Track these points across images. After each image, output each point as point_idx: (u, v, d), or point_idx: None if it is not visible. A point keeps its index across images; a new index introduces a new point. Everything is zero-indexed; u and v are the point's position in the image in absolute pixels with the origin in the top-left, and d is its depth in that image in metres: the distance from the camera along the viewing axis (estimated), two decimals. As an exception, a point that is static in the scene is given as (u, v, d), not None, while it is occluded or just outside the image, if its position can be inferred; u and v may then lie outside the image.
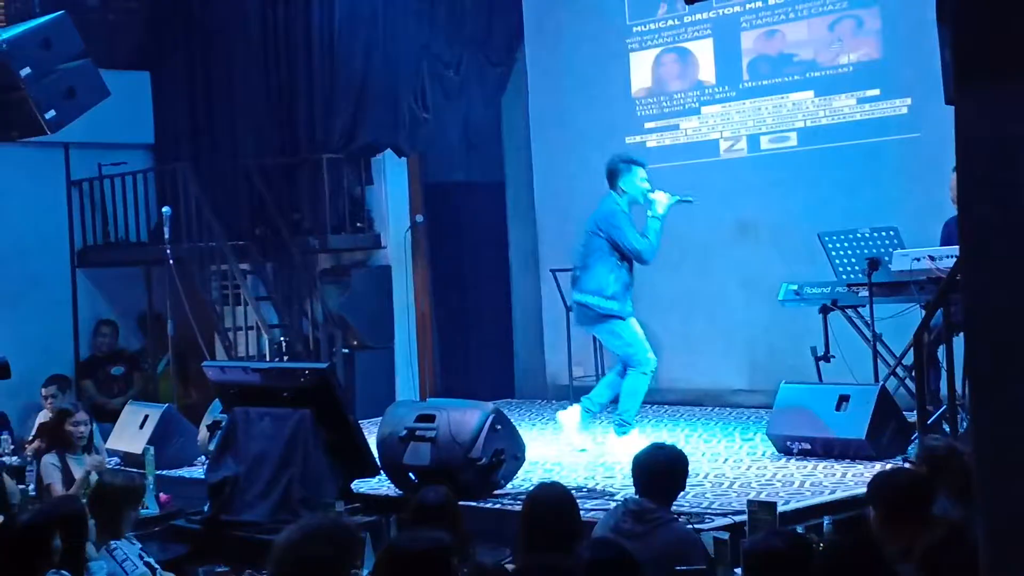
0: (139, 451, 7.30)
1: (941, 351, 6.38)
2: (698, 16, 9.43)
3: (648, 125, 9.74)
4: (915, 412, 6.36)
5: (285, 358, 9.22)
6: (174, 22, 10.95)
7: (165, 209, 9.01)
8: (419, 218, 10.07)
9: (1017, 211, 1.82)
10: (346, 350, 9.73)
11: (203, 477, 6.64)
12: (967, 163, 1.87)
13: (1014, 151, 1.84)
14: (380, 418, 6.67)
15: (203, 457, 7.37)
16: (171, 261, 8.85)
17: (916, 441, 6.12)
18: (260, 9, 10.49)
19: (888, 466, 6.22)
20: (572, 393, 9.38)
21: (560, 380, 9.79)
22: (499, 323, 10.67)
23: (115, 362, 10.43)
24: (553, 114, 10.23)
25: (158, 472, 6.97)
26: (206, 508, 6.37)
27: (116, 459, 7.62)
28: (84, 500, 5.31)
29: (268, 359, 9.10)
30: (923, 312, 6.51)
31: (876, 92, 8.60)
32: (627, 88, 9.84)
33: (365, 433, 6.46)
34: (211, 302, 9.81)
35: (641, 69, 9.79)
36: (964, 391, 6.25)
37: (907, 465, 5.58)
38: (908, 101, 8.43)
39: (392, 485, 6.42)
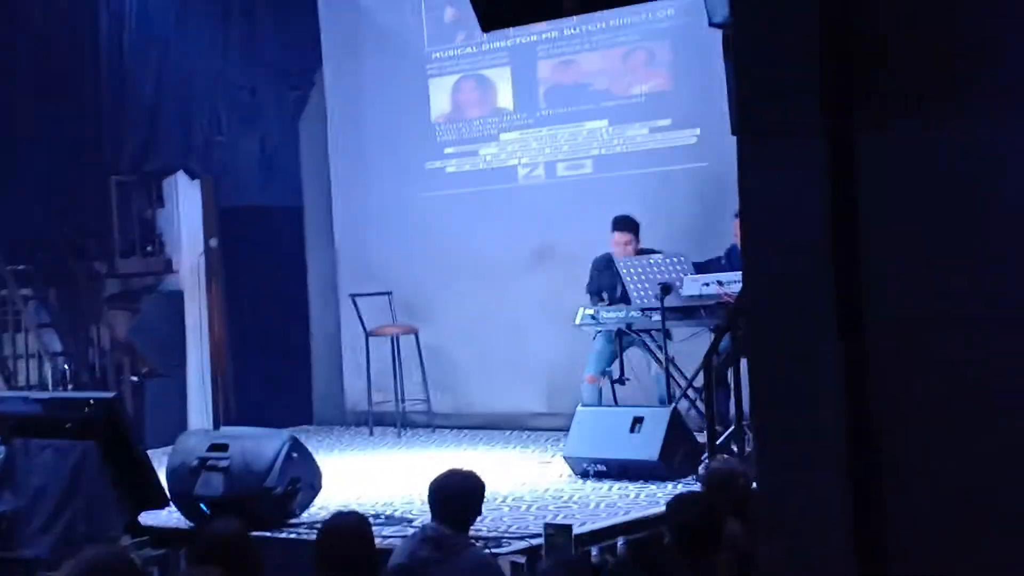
0: (-93, 487, 6.87)
1: (730, 373, 6.59)
2: (496, 44, 9.53)
3: (448, 151, 9.78)
4: (705, 433, 6.54)
5: (70, 387, 8.86)
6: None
7: (-61, 231, 8.58)
8: (213, 242, 9.84)
9: (796, 239, 1.89)
10: (135, 377, 9.41)
11: (-22, 513, 6.29)
12: (749, 197, 1.94)
13: (791, 185, 1.92)
14: (171, 447, 6.46)
15: (-21, 492, 6.99)
16: (-54, 286, 8.40)
17: (705, 462, 6.29)
18: (43, 27, 10.06)
19: (679, 486, 6.39)
20: (371, 419, 9.31)
21: (360, 406, 9.70)
22: (297, 349, 10.51)
23: None
24: (352, 139, 10.16)
25: (-71, 509, 6.57)
26: (-19, 545, 6.04)
27: None
28: None
29: (51, 388, 8.72)
30: (713, 335, 6.72)
31: (667, 122, 8.86)
32: (427, 114, 9.86)
33: (156, 463, 6.25)
34: (-11, 329, 9.35)
35: (440, 95, 9.84)
36: (752, 412, 6.48)
37: (698, 485, 5.73)
38: (697, 131, 8.71)
39: (183, 517, 6.22)
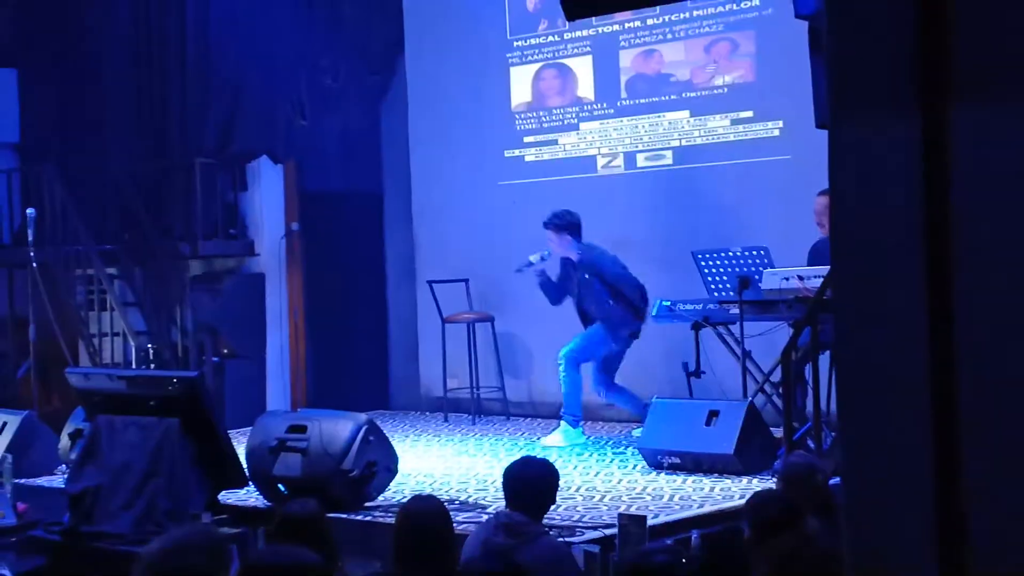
0: (-4, 459, 7.05)
1: (808, 368, 6.52)
2: (578, 33, 9.52)
3: (527, 139, 9.79)
4: (782, 428, 6.49)
5: (152, 366, 9.02)
6: (43, 19, 10.65)
7: (29, 211, 8.77)
8: (294, 226, 9.95)
9: (887, 233, 1.87)
10: (216, 358, 9.56)
11: (63, 487, 6.44)
12: (840, 186, 1.92)
13: (884, 176, 1.89)
14: (250, 428, 6.56)
15: (64, 466, 7.16)
16: (35, 264, 8.59)
17: (782, 457, 6.24)
18: (132, 8, 10.26)
19: (754, 481, 6.35)
20: (446, 405, 9.37)
21: (434, 392, 9.76)
22: (374, 334, 10.60)
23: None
24: (433, 125, 10.21)
25: (16, 481, 6.73)
26: (66, 519, 6.17)
27: (-29, 468, 7.34)
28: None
29: (134, 367, 8.89)
30: (791, 330, 6.65)
31: (749, 114, 8.78)
32: (507, 102, 9.88)
33: (235, 443, 6.35)
34: (76, 307, 9.54)
35: (521, 83, 9.84)
36: (829, 408, 6.42)
37: (774, 480, 5.68)
38: (780, 124, 8.63)
39: (261, 496, 6.32)
